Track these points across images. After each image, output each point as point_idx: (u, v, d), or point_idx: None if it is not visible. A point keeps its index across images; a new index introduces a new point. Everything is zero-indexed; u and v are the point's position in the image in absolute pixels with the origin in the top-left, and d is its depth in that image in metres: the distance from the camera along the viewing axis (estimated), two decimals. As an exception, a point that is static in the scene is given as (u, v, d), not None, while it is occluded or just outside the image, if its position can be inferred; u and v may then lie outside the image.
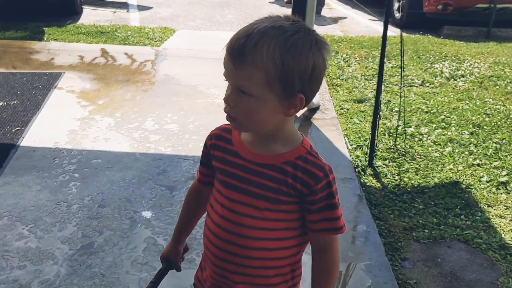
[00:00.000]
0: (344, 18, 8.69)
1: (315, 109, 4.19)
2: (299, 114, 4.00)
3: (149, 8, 8.22)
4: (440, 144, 3.77)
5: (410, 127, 4.02)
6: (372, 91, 4.72)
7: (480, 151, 3.70)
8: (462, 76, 5.43)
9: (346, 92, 4.73)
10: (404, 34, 4.10)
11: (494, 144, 3.81)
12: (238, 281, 1.26)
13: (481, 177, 3.33)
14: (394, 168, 3.39)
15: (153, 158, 3.25)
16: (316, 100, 4.17)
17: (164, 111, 3.97)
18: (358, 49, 6.28)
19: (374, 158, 3.43)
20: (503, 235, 2.74)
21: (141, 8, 8.16)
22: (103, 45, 5.73)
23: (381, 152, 3.58)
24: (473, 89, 5.05)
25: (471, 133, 3.99)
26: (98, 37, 6.08)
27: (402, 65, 3.63)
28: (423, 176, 3.30)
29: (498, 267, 2.49)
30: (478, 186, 3.23)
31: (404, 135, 3.82)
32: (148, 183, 2.95)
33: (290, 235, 1.23)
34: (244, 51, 1.07)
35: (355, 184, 3.12)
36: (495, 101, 4.73)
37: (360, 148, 3.61)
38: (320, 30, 7.32)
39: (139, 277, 2.22)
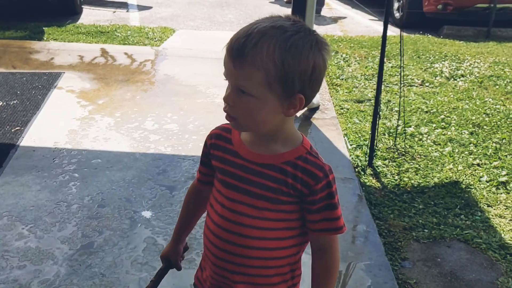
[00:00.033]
0: (344, 18, 8.68)
1: (315, 109, 4.19)
2: (299, 114, 4.00)
3: (149, 8, 8.22)
4: (440, 144, 3.77)
5: (410, 127, 4.02)
6: (372, 91, 4.72)
7: (480, 151, 3.70)
8: (462, 76, 5.43)
9: (346, 92, 4.73)
10: (404, 34, 4.10)
11: (494, 144, 3.81)
12: (238, 280, 1.26)
13: (481, 177, 3.33)
14: (394, 168, 3.39)
15: (153, 158, 3.25)
16: (316, 100, 4.17)
17: (164, 111, 3.97)
18: (358, 49, 6.28)
19: (374, 158, 3.43)
20: (503, 235, 2.74)
21: (141, 8, 8.16)
22: (103, 45, 5.73)
23: (381, 152, 3.58)
24: (473, 89, 5.05)
25: (471, 133, 3.99)
26: (98, 37, 6.08)
27: (402, 64, 3.63)
28: (423, 176, 3.30)
29: (498, 267, 2.49)
30: (478, 186, 3.23)
31: (404, 135, 3.82)
32: (148, 183, 2.95)
33: (289, 235, 1.23)
34: (244, 51, 1.07)
35: (355, 184, 3.12)
36: (495, 101, 4.73)
37: (360, 148, 3.61)
38: (320, 30, 7.32)
39: (139, 277, 2.22)
